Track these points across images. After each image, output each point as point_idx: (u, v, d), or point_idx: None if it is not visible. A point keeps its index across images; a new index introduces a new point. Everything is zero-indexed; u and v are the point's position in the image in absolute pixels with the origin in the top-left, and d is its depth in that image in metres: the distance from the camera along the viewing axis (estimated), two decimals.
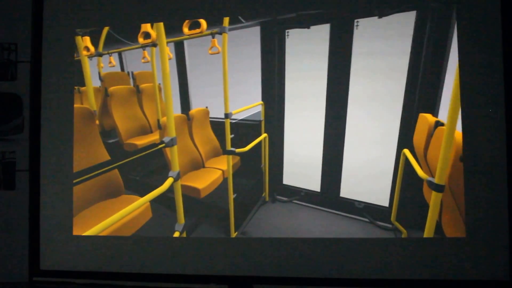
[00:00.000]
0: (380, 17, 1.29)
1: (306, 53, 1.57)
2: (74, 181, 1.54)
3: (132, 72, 1.92)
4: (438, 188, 1.11)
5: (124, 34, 1.78)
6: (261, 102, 1.78)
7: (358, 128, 1.44)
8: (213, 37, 1.76)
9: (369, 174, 1.40)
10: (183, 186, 1.66)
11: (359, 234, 1.36)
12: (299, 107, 1.68)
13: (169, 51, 1.79)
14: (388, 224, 1.32)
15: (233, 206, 1.70)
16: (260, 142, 1.79)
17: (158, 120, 1.90)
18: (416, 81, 1.24)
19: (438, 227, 1.19)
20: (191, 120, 1.89)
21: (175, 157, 1.61)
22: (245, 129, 1.86)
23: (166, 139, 1.61)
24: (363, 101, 1.40)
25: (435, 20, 1.19)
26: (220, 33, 1.72)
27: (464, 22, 1.19)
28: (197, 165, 1.93)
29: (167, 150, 1.69)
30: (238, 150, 1.80)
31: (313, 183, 1.65)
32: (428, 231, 1.16)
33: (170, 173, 1.60)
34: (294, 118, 1.68)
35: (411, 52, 1.24)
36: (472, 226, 1.17)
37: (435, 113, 1.21)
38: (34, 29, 1.58)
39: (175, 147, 1.62)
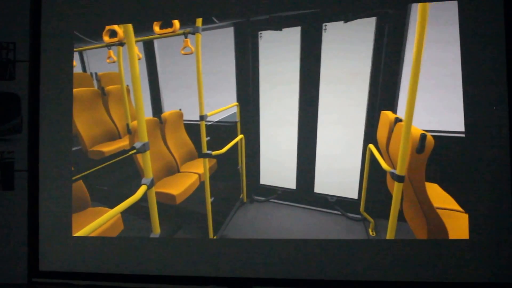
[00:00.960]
0: (345, 22, 1.43)
1: (279, 54, 1.65)
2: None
3: (95, 73, 1.84)
4: (399, 178, 1.21)
5: (86, 32, 1.71)
6: (237, 103, 1.82)
7: (329, 125, 1.54)
8: (186, 37, 1.76)
9: (339, 169, 1.51)
10: (157, 193, 1.63)
11: (332, 227, 1.46)
12: (274, 107, 1.74)
13: (137, 51, 1.75)
14: (358, 215, 1.44)
15: (210, 210, 1.71)
16: (236, 144, 1.82)
17: (128, 125, 1.85)
18: (378, 80, 1.37)
19: (400, 213, 1.29)
20: (163, 124, 1.87)
21: (148, 163, 1.58)
22: (221, 131, 1.88)
23: (138, 144, 1.57)
24: (332, 100, 1.51)
25: (392, 25, 1.33)
26: (193, 33, 1.73)
27: (466, 18, 1.19)
28: (172, 170, 1.91)
29: (139, 156, 1.66)
30: (214, 153, 1.81)
31: (289, 181, 1.72)
32: (392, 218, 1.26)
33: (143, 181, 1.56)
34: (269, 118, 1.73)
35: (373, 54, 1.38)
36: (475, 227, 1.17)
37: (394, 110, 1.33)
38: (33, 28, 1.59)
39: (148, 152, 1.59)
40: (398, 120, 1.28)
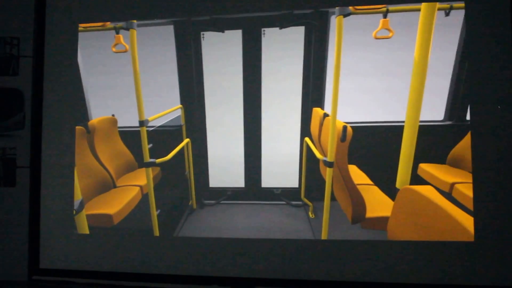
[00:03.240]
0: (280, 28, 1.77)
1: (222, 55, 1.85)
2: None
3: None
4: (330, 164, 1.56)
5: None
6: (180, 105, 2.02)
7: (271, 123, 1.82)
8: (118, 33, 1.81)
9: (282, 162, 1.81)
10: (88, 216, 1.65)
11: (279, 217, 1.72)
12: (220, 108, 1.94)
13: None
14: (300, 202, 1.76)
15: (157, 223, 1.77)
16: (182, 148, 1.97)
17: None
18: (308, 81, 1.73)
19: (332, 194, 1.63)
20: (92, 133, 1.87)
21: (75, 182, 1.60)
22: (164, 136, 1.97)
23: None
24: (273, 99, 1.80)
25: (318, 34, 1.71)
26: (127, 29, 1.79)
27: (472, 18, 1.33)
28: (106, 186, 1.91)
29: None
30: (158, 161, 1.89)
31: (238, 180, 1.94)
32: (327, 199, 1.59)
33: None
34: (216, 119, 1.93)
35: (303, 58, 1.72)
36: (481, 229, 1.28)
37: (322, 106, 1.71)
38: (37, 23, 1.72)
39: (74, 169, 1.62)
40: (326, 115, 1.64)
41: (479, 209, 1.31)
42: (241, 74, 1.86)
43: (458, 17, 1.42)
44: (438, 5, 1.34)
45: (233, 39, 1.85)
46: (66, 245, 1.65)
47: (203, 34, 1.87)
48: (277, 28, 1.74)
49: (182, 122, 1.95)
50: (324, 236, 1.57)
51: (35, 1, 1.71)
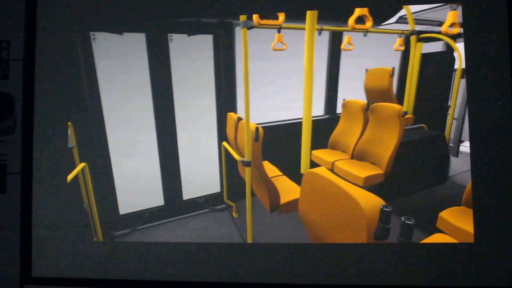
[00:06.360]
0: (188, 35, 2.23)
1: (122, 59, 2.17)
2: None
3: None
4: (247, 163, 2.12)
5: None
6: (68, 123, 2.14)
7: (186, 130, 2.22)
8: None
9: (201, 170, 2.23)
10: None
11: (204, 225, 2.11)
12: (124, 120, 2.20)
13: None
14: (223, 205, 2.24)
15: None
16: (76, 177, 2.12)
17: None
18: (221, 87, 2.26)
19: (252, 190, 2.12)
20: None
21: None
22: None
23: None
24: (187, 107, 2.22)
25: (225, 43, 2.25)
26: None
27: (470, 14, 1.68)
28: None
29: None
30: None
31: (156, 198, 2.23)
32: (247, 197, 2.10)
33: None
34: (120, 134, 2.20)
35: (214, 65, 2.23)
36: (480, 230, 1.60)
37: (236, 111, 2.27)
38: (27, 26, 2.15)
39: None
40: (240, 119, 2.19)
41: (479, 210, 1.64)
42: (149, 81, 2.21)
43: (326, 36, 2.39)
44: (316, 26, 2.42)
45: (135, 42, 2.18)
46: (58, 253, 2.04)
47: (93, 34, 2.18)
48: (185, 35, 2.23)
49: (73, 143, 2.15)
50: (249, 233, 2.10)
51: (25, 4, 2.13)
